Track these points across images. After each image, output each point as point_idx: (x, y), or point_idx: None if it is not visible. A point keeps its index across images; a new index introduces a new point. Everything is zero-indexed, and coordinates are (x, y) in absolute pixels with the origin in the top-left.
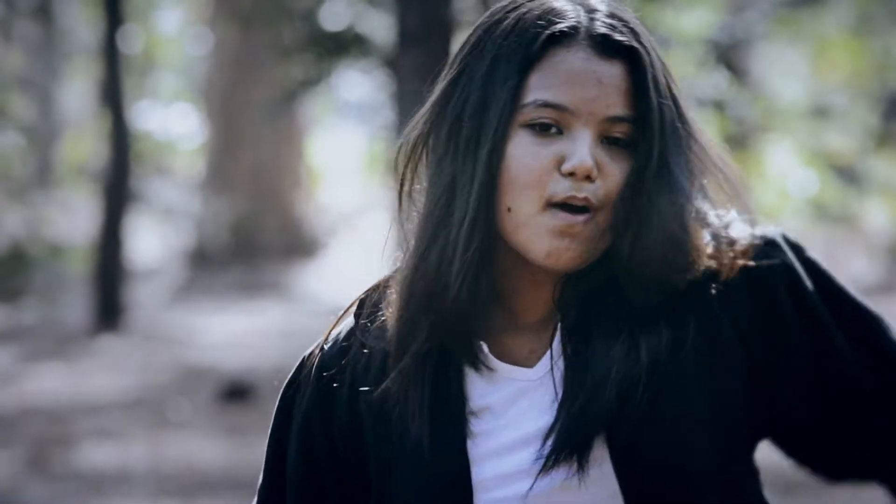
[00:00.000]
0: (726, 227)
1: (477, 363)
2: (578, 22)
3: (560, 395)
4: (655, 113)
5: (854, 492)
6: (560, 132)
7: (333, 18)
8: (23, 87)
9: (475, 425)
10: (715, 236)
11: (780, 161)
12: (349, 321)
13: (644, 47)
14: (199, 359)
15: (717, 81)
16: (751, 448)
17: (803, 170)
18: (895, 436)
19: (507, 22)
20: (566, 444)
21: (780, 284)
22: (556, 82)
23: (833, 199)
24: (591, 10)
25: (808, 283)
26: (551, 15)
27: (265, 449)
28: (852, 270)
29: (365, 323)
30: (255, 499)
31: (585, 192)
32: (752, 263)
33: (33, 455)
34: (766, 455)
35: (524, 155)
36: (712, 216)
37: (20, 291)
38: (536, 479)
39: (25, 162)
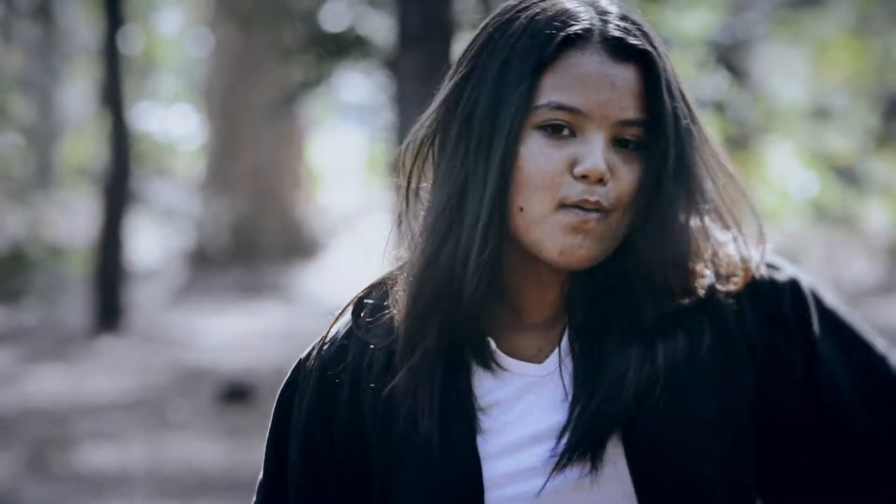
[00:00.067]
0: (738, 240)
1: (486, 360)
2: (592, 24)
3: (571, 394)
4: (670, 116)
5: None
6: (573, 134)
7: (334, 19)
8: (23, 87)
9: (485, 422)
10: (732, 243)
11: (780, 162)
12: (347, 320)
13: (657, 50)
14: (199, 360)
15: (717, 82)
16: (751, 457)
17: (803, 171)
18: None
19: (518, 22)
20: (581, 443)
21: (787, 301)
22: (569, 85)
23: (833, 200)
24: (602, 12)
25: (812, 304)
26: (564, 16)
27: (264, 449)
28: (852, 271)
29: (367, 321)
30: (255, 497)
31: (597, 195)
32: (764, 278)
33: (33, 456)
34: None
35: (537, 157)
36: (729, 222)
37: (20, 292)
38: (550, 476)
39: (25, 163)
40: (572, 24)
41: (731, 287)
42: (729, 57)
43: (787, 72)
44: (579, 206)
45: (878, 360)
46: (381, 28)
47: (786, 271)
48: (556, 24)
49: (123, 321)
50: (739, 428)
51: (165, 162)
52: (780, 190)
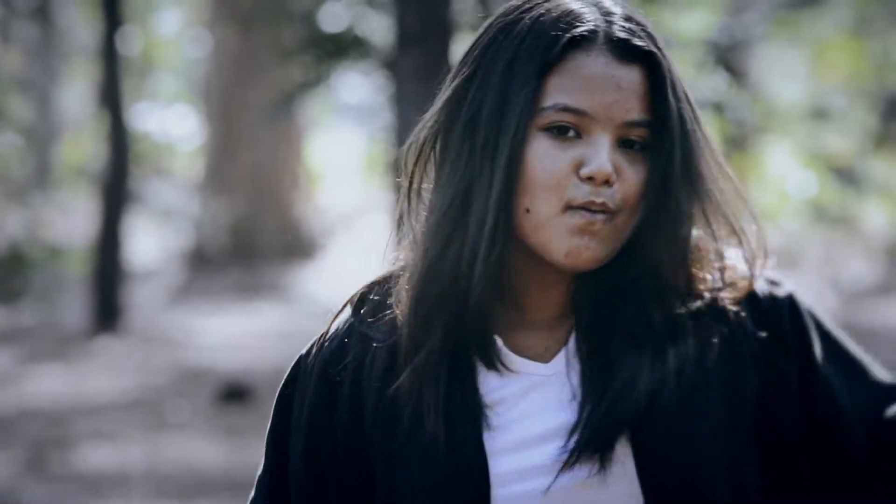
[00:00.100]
0: (742, 247)
1: (492, 358)
2: (597, 26)
3: (580, 394)
4: (675, 117)
5: None
6: (578, 136)
7: (332, 20)
8: (21, 88)
9: (491, 419)
10: (735, 250)
11: (779, 162)
12: (346, 318)
13: (661, 51)
14: (198, 360)
15: (716, 83)
16: (755, 459)
17: (802, 171)
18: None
19: (522, 23)
20: (591, 442)
21: (787, 317)
22: (575, 86)
23: (832, 200)
24: (607, 13)
25: (810, 321)
26: (569, 17)
27: (264, 445)
28: (851, 272)
29: (368, 320)
30: (254, 492)
31: (603, 196)
32: (765, 292)
33: (32, 456)
34: None
35: (543, 158)
36: (732, 226)
37: (19, 292)
38: (558, 475)
39: (24, 163)
40: (577, 26)
41: (735, 294)
42: (728, 57)
43: (786, 72)
44: (586, 207)
45: (874, 378)
46: (379, 28)
47: (785, 287)
48: (561, 25)
49: (122, 321)
50: (744, 430)
51: (164, 162)
52: (778, 190)
